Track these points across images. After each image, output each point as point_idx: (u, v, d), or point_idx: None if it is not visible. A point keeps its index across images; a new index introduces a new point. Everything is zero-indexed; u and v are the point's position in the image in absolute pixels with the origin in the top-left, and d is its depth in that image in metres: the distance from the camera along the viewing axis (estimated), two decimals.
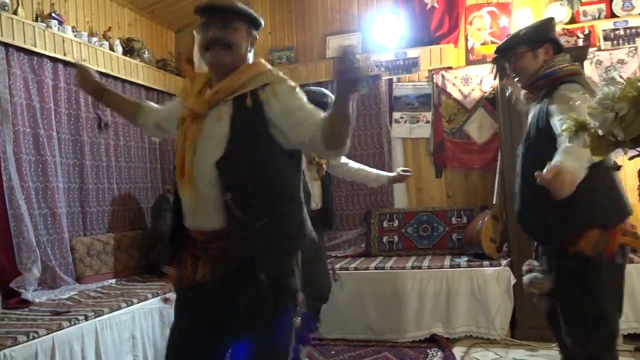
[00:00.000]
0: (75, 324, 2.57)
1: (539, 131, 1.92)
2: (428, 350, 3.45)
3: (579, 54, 3.61)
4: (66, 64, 3.59)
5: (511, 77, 2.18)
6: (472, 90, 4.31)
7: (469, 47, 4.37)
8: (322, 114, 1.57)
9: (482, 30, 4.35)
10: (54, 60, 3.49)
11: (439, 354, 3.38)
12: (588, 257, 1.81)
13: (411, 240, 4.28)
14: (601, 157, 1.16)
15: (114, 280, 3.66)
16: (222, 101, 1.67)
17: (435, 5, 4.45)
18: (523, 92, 2.18)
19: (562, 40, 3.98)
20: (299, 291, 1.69)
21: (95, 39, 3.91)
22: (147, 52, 4.52)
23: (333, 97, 1.71)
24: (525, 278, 2.05)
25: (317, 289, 2.93)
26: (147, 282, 3.60)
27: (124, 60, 4.15)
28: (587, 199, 1.72)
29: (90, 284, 3.49)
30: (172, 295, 2.80)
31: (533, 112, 2.03)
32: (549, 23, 2.17)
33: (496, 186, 3.90)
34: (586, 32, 4.00)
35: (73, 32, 3.69)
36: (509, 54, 2.10)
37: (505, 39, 2.18)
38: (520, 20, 4.16)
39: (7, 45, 3.15)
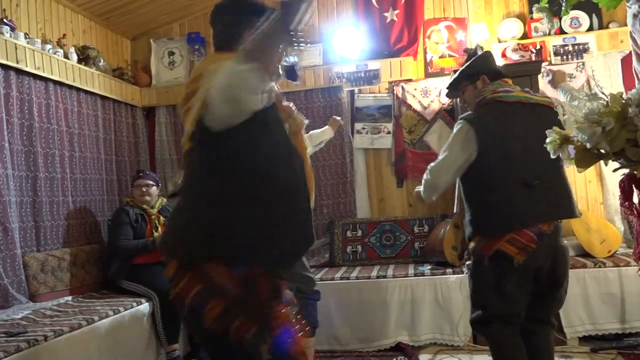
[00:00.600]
0: (34, 345, 2.44)
1: None
2: (394, 359, 3.48)
3: (533, 68, 3.80)
4: (19, 72, 3.43)
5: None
6: (432, 102, 4.42)
7: (428, 60, 4.49)
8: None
9: (440, 44, 4.48)
10: (5, 67, 3.32)
11: None
12: (475, 254, 2.31)
13: (374, 249, 4.32)
14: (584, 169, 1.21)
15: (70, 298, 3.49)
16: None
17: (395, 19, 4.54)
18: None
19: (517, 55, 4.18)
20: None
21: (49, 46, 3.75)
22: (102, 61, 4.39)
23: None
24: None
25: None
26: (106, 299, 3.46)
27: (79, 69, 4.01)
28: (472, 214, 2.34)
29: (45, 302, 3.32)
30: None
31: None
32: (482, 57, 2.51)
33: (456, 195, 3.99)
34: (538, 47, 4.19)
35: (26, 39, 3.53)
36: (456, 88, 2.54)
37: (452, 76, 2.59)
38: (476, 34, 4.32)
39: None
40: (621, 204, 1.31)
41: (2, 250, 3.19)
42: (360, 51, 4.57)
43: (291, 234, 1.59)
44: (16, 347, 2.36)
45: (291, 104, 1.72)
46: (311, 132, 3.38)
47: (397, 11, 4.54)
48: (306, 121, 1.80)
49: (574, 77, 4.18)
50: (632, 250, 3.88)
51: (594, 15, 4.20)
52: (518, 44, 4.19)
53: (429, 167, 2.42)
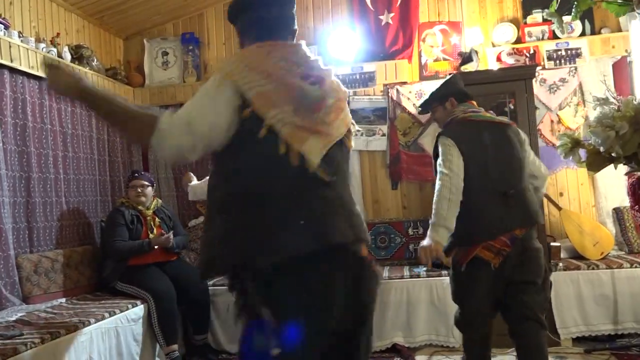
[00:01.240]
0: (32, 347, 2.41)
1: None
2: None
3: (528, 72, 3.84)
4: (13, 70, 3.39)
5: None
6: None
7: (423, 63, 4.51)
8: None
9: (434, 47, 4.51)
10: None
11: None
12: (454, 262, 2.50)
13: (370, 251, 4.32)
14: (595, 172, 1.22)
15: (63, 300, 3.45)
16: None
17: (390, 22, 4.57)
18: None
19: (512, 59, 4.23)
20: None
21: (42, 45, 3.71)
22: (96, 60, 4.35)
23: None
24: None
25: None
26: (101, 301, 3.43)
27: (72, 68, 3.96)
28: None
29: (38, 304, 3.27)
30: None
31: None
32: (451, 82, 2.73)
33: None
34: (531, 51, 4.24)
35: (20, 37, 3.49)
36: (427, 108, 2.77)
37: (424, 98, 2.85)
38: (470, 38, 4.35)
39: None
40: (631, 207, 1.33)
41: None
42: (356, 53, 4.58)
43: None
44: (13, 349, 2.33)
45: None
46: None
47: (392, 14, 4.56)
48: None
49: (567, 82, 4.24)
50: (624, 253, 3.95)
51: (586, 21, 4.25)
52: (513, 49, 4.23)
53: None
